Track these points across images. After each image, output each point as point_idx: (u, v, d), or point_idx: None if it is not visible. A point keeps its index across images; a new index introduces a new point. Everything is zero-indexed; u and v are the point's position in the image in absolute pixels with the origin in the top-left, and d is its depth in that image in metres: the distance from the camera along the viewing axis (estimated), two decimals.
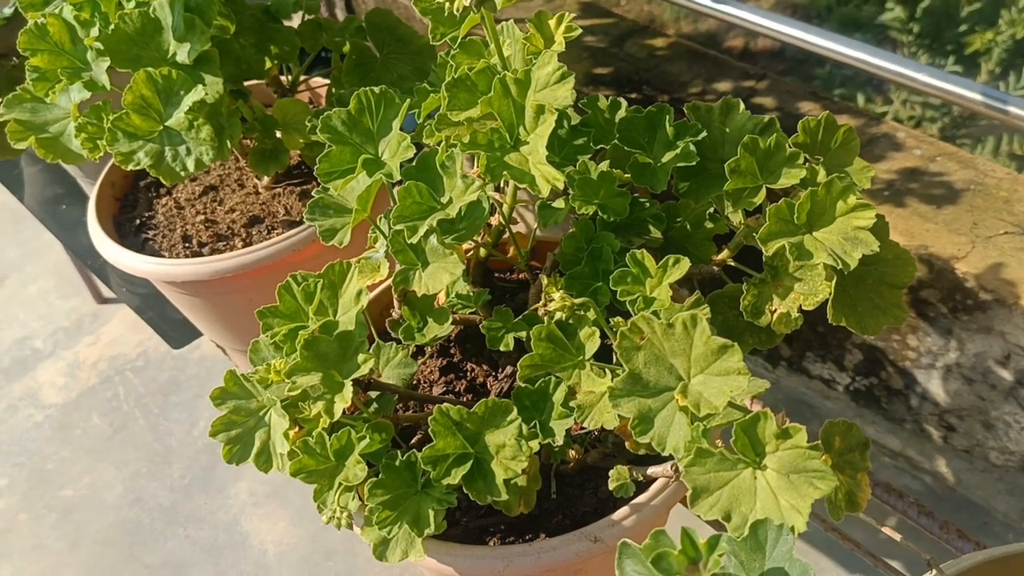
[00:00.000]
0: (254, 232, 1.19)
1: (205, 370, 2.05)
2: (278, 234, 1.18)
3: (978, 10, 1.88)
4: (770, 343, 0.88)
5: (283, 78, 1.22)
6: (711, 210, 0.91)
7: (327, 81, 1.29)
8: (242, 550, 1.70)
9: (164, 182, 1.01)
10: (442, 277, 0.79)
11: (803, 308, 0.82)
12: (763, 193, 0.82)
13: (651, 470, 0.80)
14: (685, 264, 0.76)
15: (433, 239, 0.80)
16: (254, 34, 1.09)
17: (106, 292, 2.24)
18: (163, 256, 1.17)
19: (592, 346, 0.76)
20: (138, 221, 1.23)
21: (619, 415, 0.74)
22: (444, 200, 0.80)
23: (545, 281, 0.85)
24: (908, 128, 1.63)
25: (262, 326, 0.78)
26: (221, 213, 1.23)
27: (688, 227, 0.91)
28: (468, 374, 0.98)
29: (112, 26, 0.99)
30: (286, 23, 1.15)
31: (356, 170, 0.81)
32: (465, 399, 0.96)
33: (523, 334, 0.83)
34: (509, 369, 0.94)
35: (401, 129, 0.82)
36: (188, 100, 1.00)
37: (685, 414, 0.69)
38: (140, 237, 1.21)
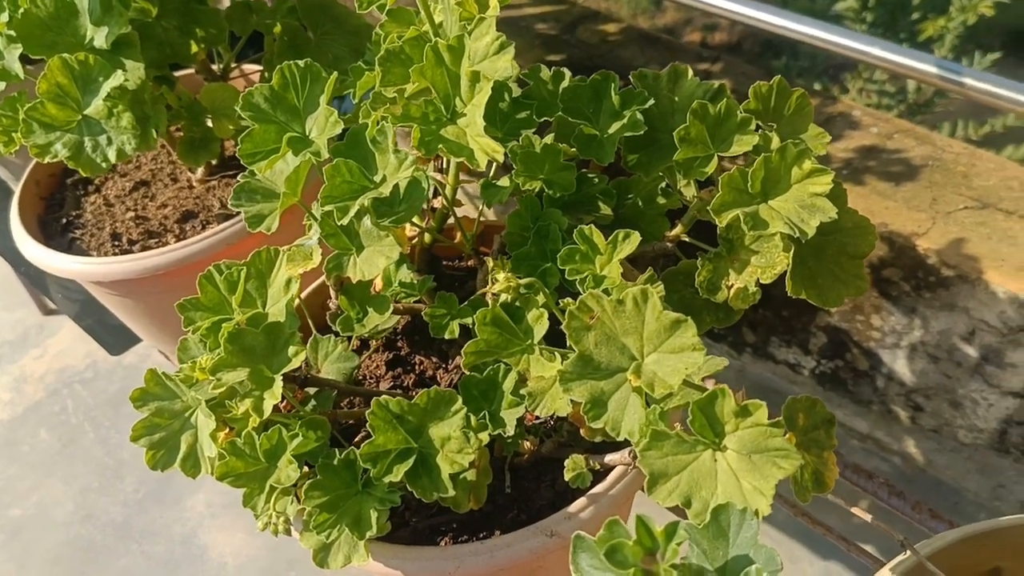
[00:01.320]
0: (188, 228, 1.13)
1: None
2: (212, 229, 1.12)
3: None
4: (728, 320, 0.84)
5: (214, 65, 1.15)
6: (663, 184, 0.87)
7: (260, 67, 1.23)
8: (200, 563, 1.63)
9: (84, 174, 0.95)
10: (378, 261, 0.74)
11: (761, 282, 0.78)
12: (715, 162, 0.77)
13: (608, 458, 0.76)
14: (635, 239, 0.72)
15: (367, 221, 0.74)
16: (178, 16, 1.03)
17: (50, 303, 2.16)
18: (89, 255, 1.11)
19: (541, 329, 0.71)
20: (64, 220, 1.16)
21: (571, 400, 0.70)
22: (377, 179, 0.75)
23: (491, 264, 0.80)
24: (863, 107, 1.61)
25: (183, 320, 0.72)
26: (152, 209, 1.16)
27: (640, 203, 0.87)
28: (416, 367, 0.93)
29: (22, 10, 0.92)
30: (214, 5, 1.09)
31: (281, 149, 0.75)
32: (414, 393, 0.91)
33: (469, 320, 0.78)
34: (459, 360, 0.88)
35: (333, 107, 0.77)
36: (107, 86, 0.94)
37: (640, 395, 0.64)
38: (67, 237, 1.14)
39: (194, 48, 1.05)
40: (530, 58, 1.70)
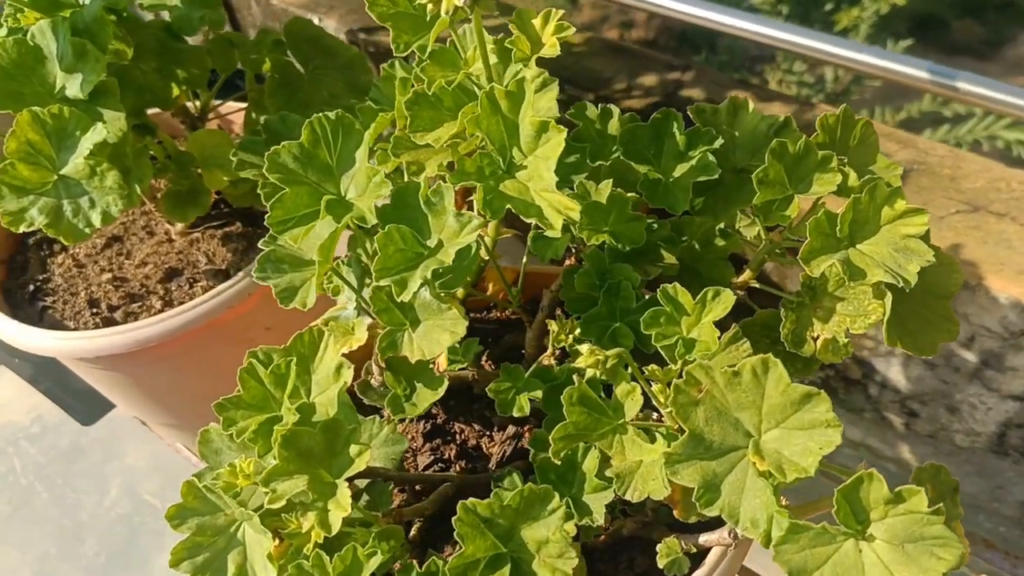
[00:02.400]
0: (173, 287, 1.02)
1: (110, 431, 1.84)
2: (202, 287, 1.01)
3: None
4: (807, 372, 0.78)
5: (190, 105, 1.04)
6: (720, 225, 0.80)
7: (240, 106, 1.12)
8: None
9: (65, 242, 0.84)
10: (440, 338, 0.65)
11: (852, 332, 0.72)
12: (796, 204, 0.71)
13: (703, 538, 0.69)
14: (727, 298, 0.65)
15: (425, 292, 0.66)
16: (156, 57, 0.92)
17: None
18: (67, 327, 0.99)
19: (633, 406, 0.63)
20: (31, 287, 1.04)
21: (671, 482, 0.62)
22: (431, 243, 0.66)
23: (555, 328, 0.72)
24: (868, 118, 1.59)
25: (223, 421, 0.63)
26: (131, 268, 1.05)
27: (696, 246, 0.80)
28: (457, 436, 0.84)
29: None
30: (191, 41, 0.98)
31: (319, 215, 0.66)
32: (458, 467, 0.82)
33: (538, 394, 0.70)
34: (511, 429, 0.80)
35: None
36: (87, 142, 0.83)
37: (764, 478, 0.57)
38: (37, 305, 1.02)
39: (175, 91, 0.94)
40: None
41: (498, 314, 0.93)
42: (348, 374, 0.63)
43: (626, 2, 1.40)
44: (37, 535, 1.75)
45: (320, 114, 0.67)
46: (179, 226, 1.06)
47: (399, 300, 0.62)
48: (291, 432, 0.59)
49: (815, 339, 0.72)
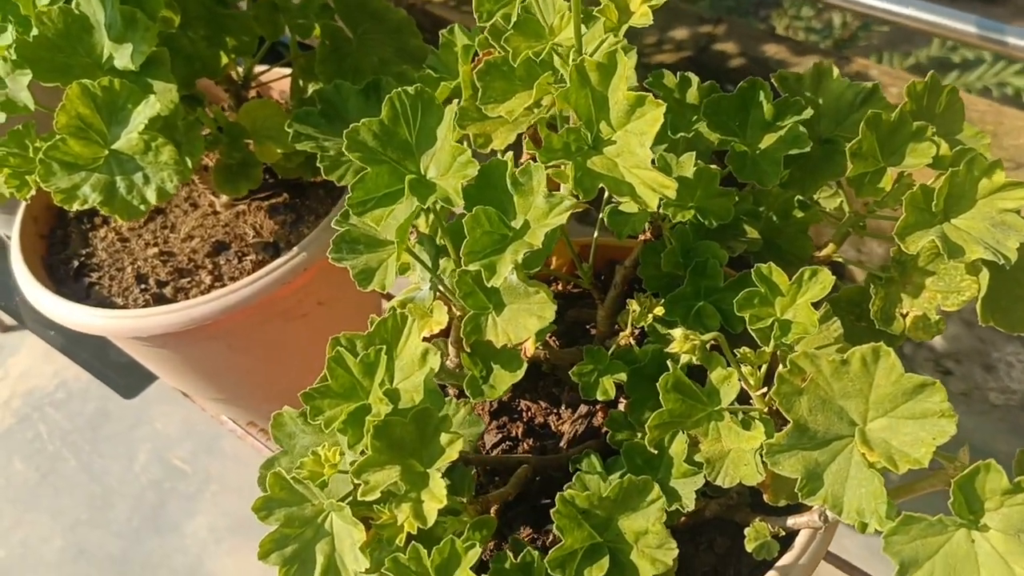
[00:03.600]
0: (222, 261, 1.00)
1: (139, 397, 1.83)
2: (252, 261, 0.99)
3: None
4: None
5: (233, 72, 1.01)
6: (797, 196, 0.78)
7: (281, 72, 1.09)
8: None
9: (120, 220, 0.81)
10: (527, 323, 0.63)
11: (943, 308, 0.70)
12: (889, 177, 0.68)
13: (791, 521, 0.67)
14: (826, 279, 0.62)
15: (512, 275, 0.64)
16: (204, 24, 0.89)
17: (7, 319, 1.97)
18: (115, 304, 0.97)
19: (730, 392, 0.62)
20: (76, 263, 1.01)
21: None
22: (517, 224, 0.64)
23: (635, 308, 0.70)
24: (879, 66, 1.56)
25: (310, 410, 0.61)
26: (176, 242, 1.02)
27: (775, 219, 0.78)
28: (524, 414, 0.82)
29: (34, 31, 0.77)
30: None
31: (400, 194, 0.64)
32: (526, 445, 0.81)
33: (622, 376, 0.68)
34: (583, 408, 0.78)
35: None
36: (141, 116, 0.80)
37: (871, 468, 0.56)
38: (83, 282, 0.99)
39: (224, 60, 0.91)
40: None
41: (560, 287, 0.91)
42: (435, 360, 0.61)
43: None
44: (67, 502, 1.76)
45: (400, 89, 0.65)
46: (224, 198, 1.03)
47: (488, 285, 0.60)
48: (383, 422, 0.58)
49: (904, 316, 0.70)
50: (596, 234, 0.80)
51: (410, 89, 0.65)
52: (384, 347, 0.60)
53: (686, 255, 0.70)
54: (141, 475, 1.76)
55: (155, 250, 1.01)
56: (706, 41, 1.66)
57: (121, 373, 1.52)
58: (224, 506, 1.66)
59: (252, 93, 1.12)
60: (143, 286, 0.98)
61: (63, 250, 1.04)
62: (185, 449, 1.73)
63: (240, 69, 0.99)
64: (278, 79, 1.09)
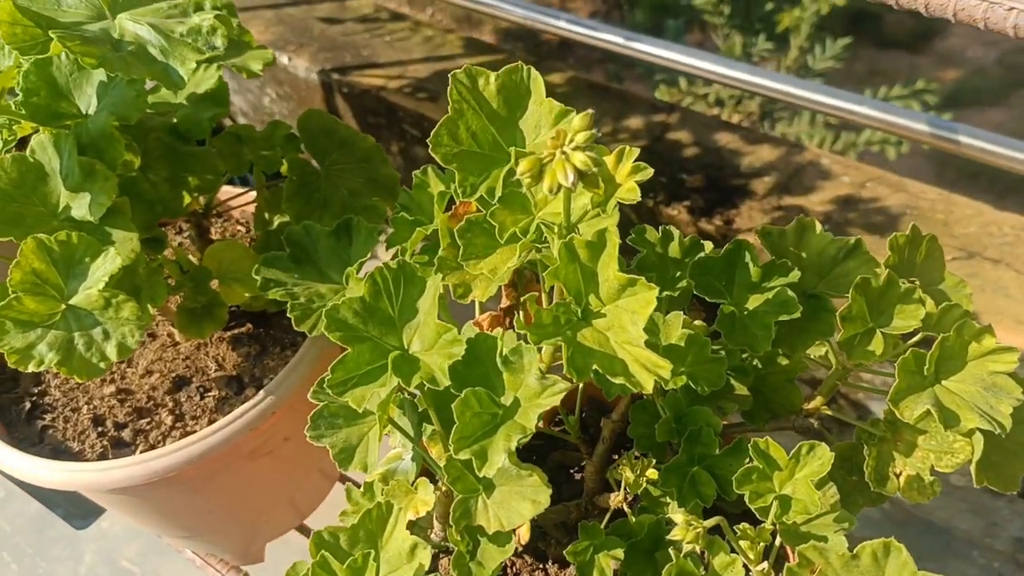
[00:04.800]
0: (183, 398, 0.95)
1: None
2: (215, 397, 0.95)
3: None
4: (880, 500, 0.75)
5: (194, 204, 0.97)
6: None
7: (235, 191, 1.06)
8: None
9: (78, 380, 0.77)
10: (520, 507, 0.60)
11: (937, 469, 0.69)
12: (879, 339, 0.68)
13: None
14: (825, 456, 0.61)
15: (504, 458, 0.61)
16: (166, 165, 0.85)
17: None
18: (71, 449, 0.91)
19: None
20: (27, 403, 0.96)
21: None
22: (506, 401, 0.61)
23: (629, 474, 0.68)
24: (831, 155, 1.59)
25: None
26: (135, 378, 0.97)
27: (758, 365, 0.77)
28: (507, 571, 0.79)
29: None
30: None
31: (385, 372, 0.61)
32: None
33: (618, 553, 0.66)
34: (573, 569, 0.76)
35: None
36: (100, 271, 0.76)
37: None
38: (35, 425, 0.94)
39: (186, 199, 0.88)
40: None
41: (542, 426, 0.88)
42: (425, 556, 0.58)
43: (557, 32, 1.41)
44: None
45: (382, 265, 0.62)
46: None
47: (481, 475, 0.57)
48: None
49: (898, 476, 0.69)
50: (581, 386, 0.78)
51: (393, 264, 0.63)
52: (371, 551, 0.57)
53: (679, 421, 0.68)
54: None
55: (112, 388, 0.96)
56: (660, 130, 1.67)
57: (75, 501, 1.45)
58: None
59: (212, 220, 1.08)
60: (100, 429, 0.93)
61: (13, 388, 0.99)
62: (133, 549, 1.66)
63: (201, 199, 0.96)
64: (240, 203, 1.06)
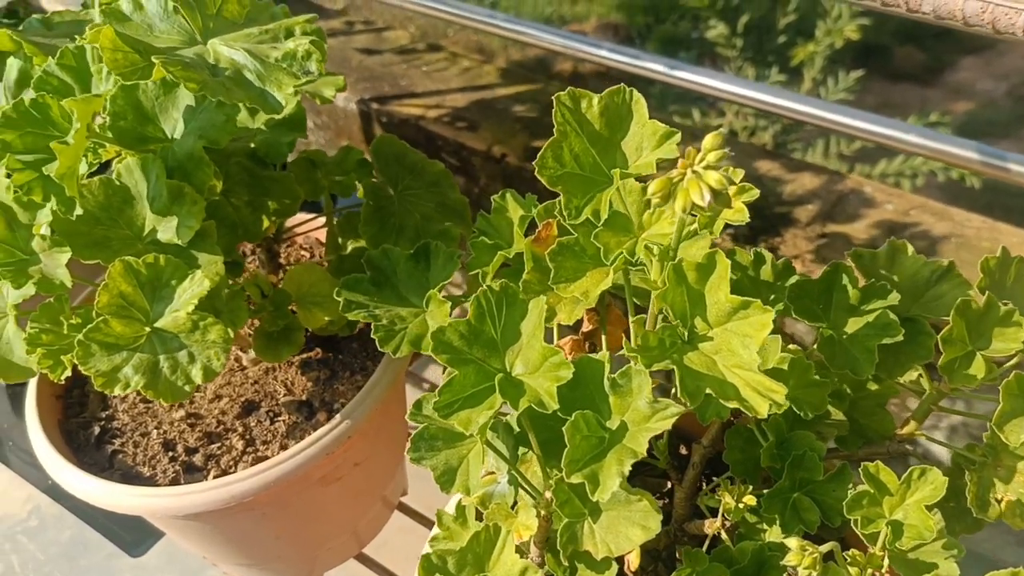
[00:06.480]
0: (252, 423, 0.95)
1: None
2: (285, 423, 0.94)
3: (795, 23, 1.99)
4: (977, 528, 0.74)
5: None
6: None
7: (305, 217, 1.06)
8: None
9: (163, 403, 0.77)
10: (629, 533, 0.60)
11: None
12: (980, 362, 0.67)
13: None
14: (938, 481, 0.60)
15: (617, 483, 0.60)
16: (246, 188, 0.86)
17: None
18: (142, 473, 0.91)
19: None
20: (96, 428, 0.96)
21: None
22: (612, 425, 0.61)
23: (728, 500, 0.67)
24: (872, 182, 1.59)
25: None
26: (204, 402, 0.97)
27: (848, 390, 0.76)
28: None
29: (78, 211, 0.73)
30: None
31: (490, 394, 0.61)
32: None
33: None
34: None
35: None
36: (187, 293, 0.76)
37: None
38: (105, 450, 0.94)
39: (265, 223, 0.88)
40: (515, 145, 1.60)
41: None
42: None
43: (577, 54, 1.43)
44: None
45: (486, 287, 0.62)
46: (252, 353, 0.99)
47: (595, 499, 0.57)
48: None
49: (999, 501, 0.68)
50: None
51: (495, 285, 0.63)
52: (480, 575, 0.56)
53: (781, 446, 0.67)
54: None
55: (182, 412, 0.96)
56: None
57: (127, 528, 1.44)
58: None
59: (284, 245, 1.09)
60: (171, 454, 0.92)
61: (80, 412, 0.99)
62: None
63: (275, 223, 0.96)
64: (304, 228, 1.06)
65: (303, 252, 1.11)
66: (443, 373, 0.64)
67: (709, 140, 0.51)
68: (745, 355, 0.59)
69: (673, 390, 0.61)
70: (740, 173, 0.64)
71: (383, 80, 1.82)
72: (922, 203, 1.45)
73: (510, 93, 1.82)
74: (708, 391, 0.58)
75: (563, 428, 0.58)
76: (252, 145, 0.90)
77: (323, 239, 1.11)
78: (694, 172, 0.51)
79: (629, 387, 0.60)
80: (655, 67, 1.41)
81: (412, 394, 1.11)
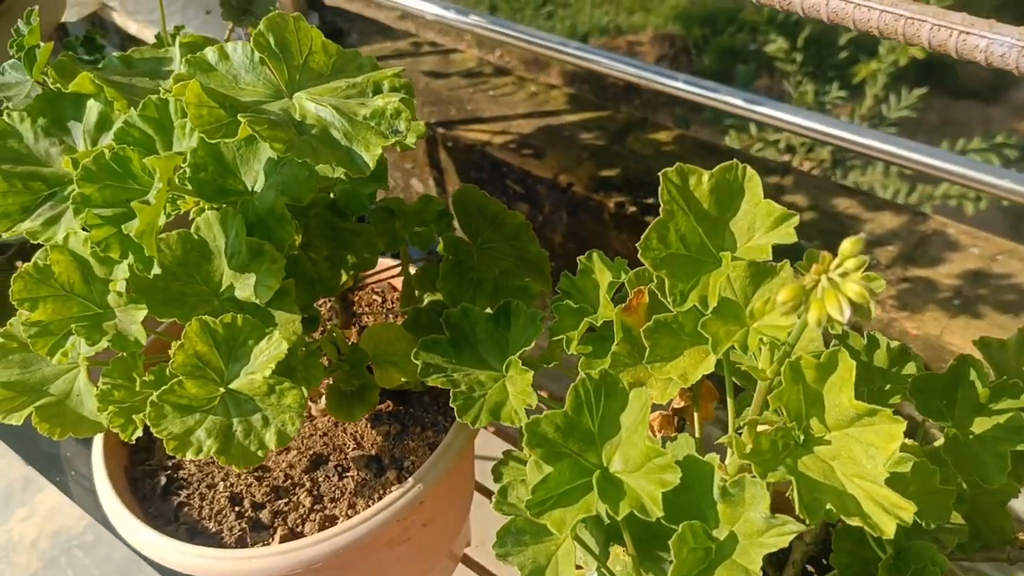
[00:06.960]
0: (320, 478, 0.92)
1: None
2: (353, 479, 0.91)
3: (856, 39, 1.92)
4: None
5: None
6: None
7: (380, 267, 1.03)
8: None
9: (236, 468, 0.74)
10: None
11: None
12: None
13: None
14: None
15: None
16: (326, 242, 0.83)
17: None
18: (207, 529, 0.88)
19: None
20: (163, 478, 0.93)
21: None
22: (720, 535, 0.56)
23: None
24: (956, 223, 1.51)
25: None
26: (271, 454, 0.95)
27: (963, 486, 0.70)
28: None
29: (156, 270, 0.71)
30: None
31: (586, 493, 0.56)
32: None
33: None
34: None
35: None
36: (264, 355, 0.73)
37: None
38: (171, 502, 0.91)
39: (343, 278, 0.85)
40: (581, 174, 1.56)
41: None
42: None
43: (652, 86, 1.37)
44: None
45: (584, 375, 0.58)
46: (321, 403, 0.96)
47: None
48: None
49: None
50: None
51: (594, 374, 0.59)
52: None
53: (898, 557, 0.62)
54: None
55: None
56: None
57: None
58: None
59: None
60: (238, 509, 0.90)
61: (147, 459, 0.96)
62: None
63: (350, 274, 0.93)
64: (383, 274, 1.03)
65: (375, 296, 1.08)
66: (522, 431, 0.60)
67: (848, 245, 0.46)
68: (869, 466, 0.54)
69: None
70: (881, 284, 0.58)
71: (450, 104, 1.79)
72: (1012, 248, 1.38)
73: (577, 120, 1.78)
74: (829, 506, 0.53)
75: (661, 530, 0.54)
76: (332, 195, 0.87)
77: (394, 283, 1.08)
78: (831, 281, 0.46)
79: (742, 497, 0.56)
80: (733, 101, 1.36)
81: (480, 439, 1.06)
